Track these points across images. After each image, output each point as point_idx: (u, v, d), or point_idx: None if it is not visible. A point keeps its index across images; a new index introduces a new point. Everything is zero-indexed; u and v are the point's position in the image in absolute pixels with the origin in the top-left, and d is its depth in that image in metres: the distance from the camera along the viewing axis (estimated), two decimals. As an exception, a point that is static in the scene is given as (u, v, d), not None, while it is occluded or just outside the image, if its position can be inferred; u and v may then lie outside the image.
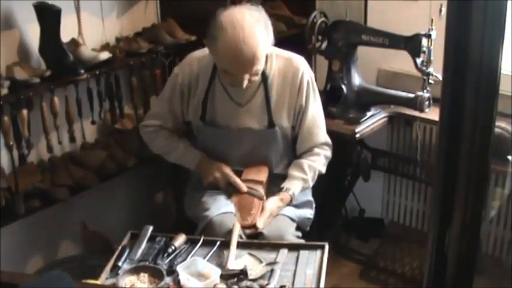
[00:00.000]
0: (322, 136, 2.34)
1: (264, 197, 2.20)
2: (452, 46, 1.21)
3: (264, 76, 2.19)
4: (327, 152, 2.35)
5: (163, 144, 2.36)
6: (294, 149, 2.36)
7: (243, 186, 2.21)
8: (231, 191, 2.26)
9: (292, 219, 2.24)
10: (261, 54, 2.06)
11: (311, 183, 2.31)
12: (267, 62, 2.19)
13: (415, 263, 3.08)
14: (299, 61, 2.26)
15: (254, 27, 2.03)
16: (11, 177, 2.36)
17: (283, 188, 2.24)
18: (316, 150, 2.32)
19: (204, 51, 2.22)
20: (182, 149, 2.33)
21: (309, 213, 2.34)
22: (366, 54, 2.94)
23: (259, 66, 2.09)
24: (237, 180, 2.23)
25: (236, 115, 2.24)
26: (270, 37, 2.11)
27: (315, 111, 2.30)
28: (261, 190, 2.22)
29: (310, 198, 2.38)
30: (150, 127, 2.38)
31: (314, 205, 2.39)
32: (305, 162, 2.30)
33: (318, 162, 2.31)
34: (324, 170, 2.35)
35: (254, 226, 2.14)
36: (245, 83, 2.09)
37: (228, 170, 2.25)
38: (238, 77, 2.08)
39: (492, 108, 1.23)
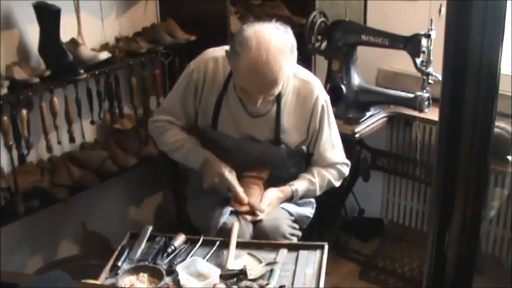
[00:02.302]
0: (338, 157, 2.31)
1: (263, 210, 2.17)
2: (452, 46, 1.21)
3: (279, 94, 2.14)
4: (343, 169, 2.33)
5: (171, 141, 2.27)
6: (304, 165, 2.35)
7: (244, 198, 2.16)
8: (230, 195, 2.21)
9: (291, 214, 2.25)
10: (281, 79, 2.00)
11: (318, 189, 2.29)
12: (284, 80, 2.11)
13: (414, 263, 3.08)
14: (315, 84, 2.21)
15: (280, 51, 1.96)
16: (11, 177, 2.36)
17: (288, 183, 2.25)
18: (332, 165, 2.31)
19: (221, 52, 2.15)
20: (188, 148, 2.26)
21: (308, 211, 2.34)
22: (365, 54, 2.94)
23: (277, 90, 2.05)
24: (238, 190, 2.17)
25: (245, 125, 2.20)
26: (294, 61, 2.05)
27: (330, 134, 2.27)
28: (259, 191, 2.22)
29: (312, 199, 2.38)
30: (160, 122, 2.30)
31: (315, 205, 2.39)
32: (315, 168, 2.29)
33: (329, 173, 2.30)
34: (336, 184, 2.34)
35: (254, 213, 2.15)
36: (259, 102, 2.05)
37: (229, 177, 2.17)
38: (254, 96, 2.04)
39: (492, 108, 1.23)
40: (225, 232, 2.09)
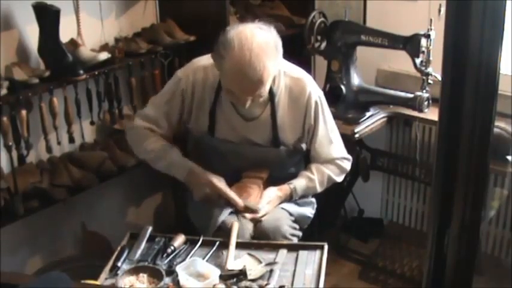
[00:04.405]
0: (336, 152, 2.30)
1: (259, 208, 2.16)
2: (451, 46, 1.21)
3: (272, 94, 2.14)
4: (343, 164, 2.32)
5: (152, 149, 2.20)
6: (303, 165, 2.34)
7: (239, 202, 2.13)
8: (222, 202, 2.17)
9: (291, 214, 2.24)
10: (266, 78, 1.99)
11: (318, 185, 2.28)
12: (275, 80, 2.12)
13: (414, 263, 3.08)
14: (306, 81, 2.21)
15: (263, 50, 1.95)
16: (10, 178, 2.35)
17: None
18: (331, 161, 2.30)
19: (209, 60, 2.13)
20: (171, 159, 2.19)
21: (309, 212, 2.34)
22: (365, 54, 2.94)
23: (264, 90, 2.03)
24: (231, 195, 2.14)
25: (242, 129, 2.20)
26: (279, 59, 2.04)
27: (326, 130, 2.26)
28: (258, 191, 2.21)
29: (312, 199, 2.38)
30: (140, 129, 2.24)
31: (315, 206, 2.38)
32: (314, 164, 2.29)
33: (329, 168, 2.29)
34: (338, 179, 2.33)
35: (253, 211, 2.15)
36: (248, 104, 2.05)
37: (220, 185, 2.14)
38: (241, 98, 2.04)
39: (491, 108, 1.23)
40: (224, 231, 2.09)
